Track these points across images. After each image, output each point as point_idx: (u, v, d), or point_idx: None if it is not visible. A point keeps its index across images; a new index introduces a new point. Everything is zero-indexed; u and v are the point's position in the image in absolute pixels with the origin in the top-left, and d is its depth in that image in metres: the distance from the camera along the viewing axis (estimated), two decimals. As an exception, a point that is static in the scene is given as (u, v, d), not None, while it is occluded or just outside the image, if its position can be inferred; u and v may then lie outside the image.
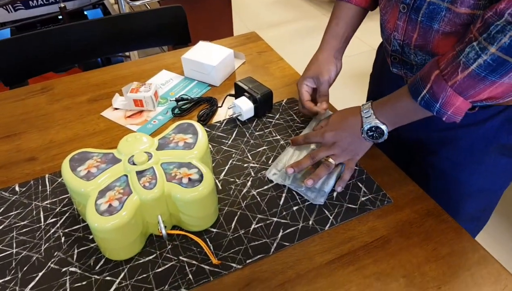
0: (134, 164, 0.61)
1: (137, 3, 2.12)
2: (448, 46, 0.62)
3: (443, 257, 0.60)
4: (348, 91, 1.95)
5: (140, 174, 0.61)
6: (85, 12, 1.95)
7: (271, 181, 0.72)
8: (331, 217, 0.66)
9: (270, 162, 0.76)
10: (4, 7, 1.79)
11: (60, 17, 1.88)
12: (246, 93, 0.83)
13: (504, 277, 0.58)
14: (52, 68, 1.23)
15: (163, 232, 0.59)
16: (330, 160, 0.68)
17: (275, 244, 0.62)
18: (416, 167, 0.81)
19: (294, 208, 0.67)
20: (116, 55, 1.97)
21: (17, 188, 0.72)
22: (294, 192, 0.70)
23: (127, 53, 2.18)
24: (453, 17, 0.60)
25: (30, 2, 1.87)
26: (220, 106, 0.88)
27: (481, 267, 0.59)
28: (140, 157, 0.62)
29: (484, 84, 0.54)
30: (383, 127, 0.65)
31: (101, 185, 0.60)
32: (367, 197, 0.69)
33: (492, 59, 0.52)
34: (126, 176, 0.61)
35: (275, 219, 0.66)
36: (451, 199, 0.75)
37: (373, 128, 0.66)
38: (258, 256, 0.61)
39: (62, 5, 1.77)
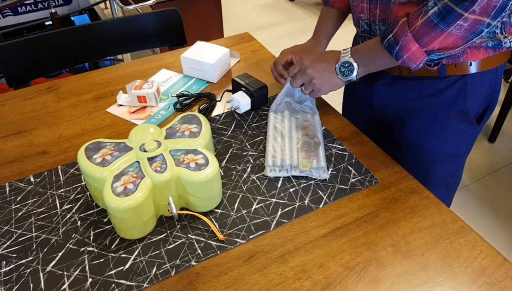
0: (145, 151, 0.67)
1: (130, 7, 2.17)
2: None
3: (426, 228, 0.67)
4: (339, 91, 2.03)
5: (151, 160, 0.66)
6: (72, 18, 1.98)
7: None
8: (324, 197, 0.73)
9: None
10: (-8, 13, 1.81)
11: (47, 23, 1.92)
12: (243, 88, 0.90)
13: (480, 244, 0.65)
14: (53, 70, 1.27)
15: (174, 211, 0.65)
16: (313, 80, 0.78)
17: (274, 221, 0.69)
18: (389, 139, 0.91)
19: (291, 190, 0.74)
20: (108, 59, 2.02)
21: (32, 179, 0.77)
22: (290, 176, 0.76)
23: (120, 57, 2.23)
24: None
25: (19, 8, 1.90)
26: (219, 101, 0.95)
27: (459, 236, 0.66)
28: (150, 144, 0.68)
29: (435, 32, 0.63)
30: (355, 64, 0.74)
31: (115, 171, 0.65)
32: (357, 178, 0.75)
33: (443, 7, 0.61)
34: (138, 162, 0.67)
35: (274, 200, 0.72)
36: (420, 167, 0.85)
37: (346, 64, 0.75)
38: (260, 232, 0.67)
39: (52, 10, 1.81)
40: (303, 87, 0.81)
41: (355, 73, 0.75)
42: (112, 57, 2.07)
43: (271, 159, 0.77)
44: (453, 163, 0.89)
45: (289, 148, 0.79)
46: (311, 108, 0.88)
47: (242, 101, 0.87)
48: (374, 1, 0.76)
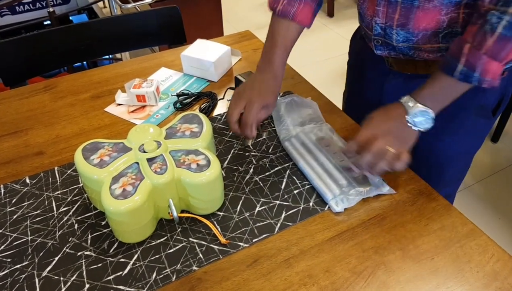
0: (144, 151, 0.65)
1: (129, 6, 2.15)
2: (429, 20, 0.69)
3: (435, 231, 0.65)
4: (338, 89, 2.00)
5: (150, 161, 0.64)
6: (71, 18, 1.96)
7: (272, 167, 0.76)
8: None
9: (270, 150, 0.80)
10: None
11: (45, 22, 1.89)
12: (245, 87, 0.87)
13: (491, 248, 0.63)
14: (51, 69, 1.25)
15: (174, 214, 0.63)
16: (388, 147, 0.65)
17: (279, 224, 0.66)
18: None
19: (295, 191, 0.72)
20: (107, 58, 2.00)
21: (27, 180, 0.75)
22: (294, 177, 0.74)
23: (118, 56, 2.21)
24: None
25: (17, 7, 1.87)
26: (221, 99, 0.92)
27: (469, 239, 0.64)
28: (150, 145, 0.65)
29: (511, 44, 0.60)
30: (429, 110, 0.66)
31: (113, 172, 0.63)
32: (363, 180, 0.73)
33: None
34: (137, 163, 0.65)
35: (278, 202, 0.70)
36: (433, 165, 0.81)
37: (420, 113, 0.66)
38: (264, 235, 0.65)
39: (51, 9, 1.78)
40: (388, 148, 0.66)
41: (432, 121, 0.67)
42: (110, 56, 2.05)
43: (329, 191, 0.69)
44: (466, 158, 0.87)
45: (331, 170, 0.73)
46: (314, 118, 0.84)
47: (244, 101, 0.85)
48: (393, 5, 0.71)
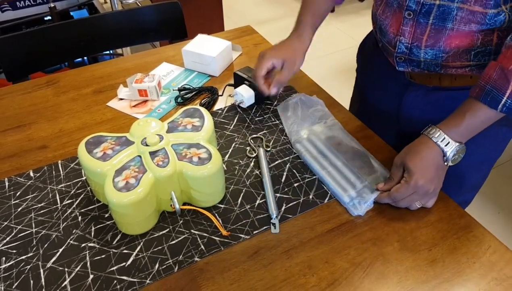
0: (147, 145, 0.66)
1: (130, 1, 2.15)
2: (461, 39, 0.66)
3: (432, 223, 0.66)
4: (338, 84, 2.01)
5: (153, 154, 0.65)
6: (71, 13, 1.96)
7: (273, 161, 0.77)
8: (329, 192, 0.71)
9: (270, 144, 0.81)
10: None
11: (46, 18, 1.90)
12: (246, 82, 0.88)
13: (488, 239, 0.64)
14: (53, 64, 1.26)
15: (177, 206, 0.64)
16: (416, 203, 0.66)
17: (279, 216, 0.67)
18: None
19: (295, 185, 0.73)
20: (108, 54, 2.01)
21: (31, 174, 0.76)
22: (294, 171, 0.75)
23: (119, 51, 2.21)
24: (467, 15, 0.63)
25: (18, 3, 1.87)
26: (220, 95, 0.93)
27: (467, 231, 0.65)
28: (152, 138, 0.66)
29: None
30: (463, 146, 0.65)
31: (116, 165, 0.64)
32: (362, 173, 0.74)
33: None
34: (140, 156, 0.66)
35: (278, 195, 0.71)
36: (454, 173, 0.75)
37: (456, 151, 0.64)
38: (264, 227, 0.66)
39: (52, 5, 1.79)
40: (417, 203, 0.67)
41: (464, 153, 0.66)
42: (112, 51, 2.06)
43: (346, 195, 0.69)
44: (486, 166, 0.84)
45: (346, 173, 0.73)
46: (323, 115, 0.84)
47: (246, 95, 0.86)
48: (422, 25, 0.68)
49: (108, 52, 1.99)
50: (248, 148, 0.79)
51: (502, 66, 0.59)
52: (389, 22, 0.73)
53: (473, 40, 0.67)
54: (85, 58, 1.91)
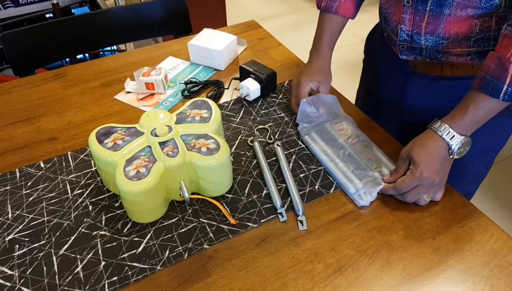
0: (156, 135, 0.67)
1: (133, -3, 2.16)
2: (460, 25, 0.68)
3: (436, 213, 0.67)
4: (341, 80, 2.03)
5: (162, 144, 0.66)
6: (72, 10, 1.97)
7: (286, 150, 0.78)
8: (334, 182, 0.73)
9: (277, 136, 0.82)
10: (-6, 5, 1.80)
11: (47, 15, 1.90)
12: (252, 75, 0.89)
13: (491, 228, 0.65)
14: (58, 58, 1.27)
15: (186, 195, 0.65)
16: (424, 196, 0.67)
17: (285, 206, 0.69)
18: None
19: (301, 175, 0.74)
20: (110, 50, 2.01)
21: (42, 165, 0.77)
22: (300, 162, 0.76)
23: (122, 47, 2.22)
24: (462, 0, 0.65)
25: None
26: (226, 88, 0.95)
27: (470, 220, 0.66)
28: (161, 129, 0.67)
29: None
30: (469, 139, 0.66)
31: (127, 155, 0.65)
32: (367, 164, 0.75)
33: None
34: (149, 147, 0.67)
35: (284, 185, 0.72)
36: (456, 165, 0.76)
37: (462, 144, 0.65)
38: (271, 216, 0.67)
39: (55, 1, 1.79)
40: (424, 197, 0.68)
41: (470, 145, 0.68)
42: (114, 47, 2.06)
43: (352, 186, 0.70)
44: (489, 157, 0.86)
45: (350, 164, 0.74)
46: (335, 112, 0.85)
47: (252, 88, 0.87)
48: (420, 12, 0.70)
49: (109, 48, 1.99)
50: (250, 138, 0.81)
51: (499, 56, 0.61)
52: (392, 10, 0.76)
53: (471, 26, 0.68)
54: (87, 55, 1.92)
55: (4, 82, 1.03)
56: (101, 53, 1.99)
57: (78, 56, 1.86)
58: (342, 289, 0.58)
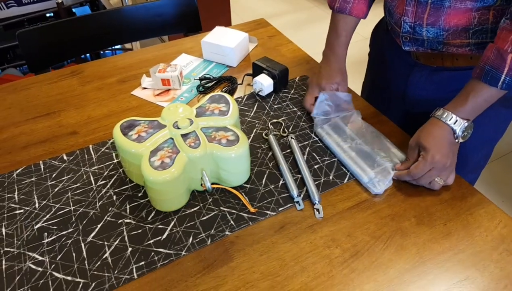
0: (178, 128, 0.70)
1: (140, -4, 2.18)
2: (459, 17, 0.72)
3: (446, 201, 0.70)
4: (350, 74, 2.07)
5: (184, 136, 0.69)
6: (74, 10, 1.98)
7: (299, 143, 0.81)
8: (348, 173, 0.76)
9: (290, 129, 0.85)
10: (-3, 4, 1.81)
11: (48, 15, 1.91)
12: (265, 71, 0.92)
13: (498, 215, 0.68)
14: (70, 56, 1.30)
15: (207, 184, 0.68)
16: (437, 179, 0.71)
17: (301, 195, 0.72)
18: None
19: (316, 166, 0.77)
20: (114, 49, 2.03)
21: (65, 157, 0.80)
22: (314, 153, 0.79)
23: (128, 46, 2.25)
24: None
25: (23, -1, 1.90)
26: (240, 84, 0.97)
27: (478, 208, 0.69)
28: (183, 122, 0.70)
29: None
30: (471, 122, 0.70)
31: (151, 147, 0.68)
32: (379, 155, 0.78)
33: None
34: (172, 139, 0.70)
35: (300, 176, 0.75)
36: (458, 154, 0.79)
37: (465, 128, 0.69)
38: (289, 205, 0.70)
39: (59, 0, 1.81)
40: (437, 180, 0.71)
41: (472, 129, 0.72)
42: (120, 46, 2.08)
43: (365, 175, 0.73)
44: (488, 146, 0.90)
45: (362, 154, 0.77)
46: (348, 102, 0.88)
47: (265, 84, 0.90)
48: (422, 5, 0.74)
49: (111, 48, 2.00)
50: (265, 131, 0.84)
51: (498, 47, 0.65)
52: (396, 3, 0.80)
53: (470, 19, 0.72)
54: (87, 55, 1.93)
55: (10, 81, 1.06)
56: (101, 52, 2.00)
57: (82, 56, 1.88)
58: (359, 272, 0.61)
